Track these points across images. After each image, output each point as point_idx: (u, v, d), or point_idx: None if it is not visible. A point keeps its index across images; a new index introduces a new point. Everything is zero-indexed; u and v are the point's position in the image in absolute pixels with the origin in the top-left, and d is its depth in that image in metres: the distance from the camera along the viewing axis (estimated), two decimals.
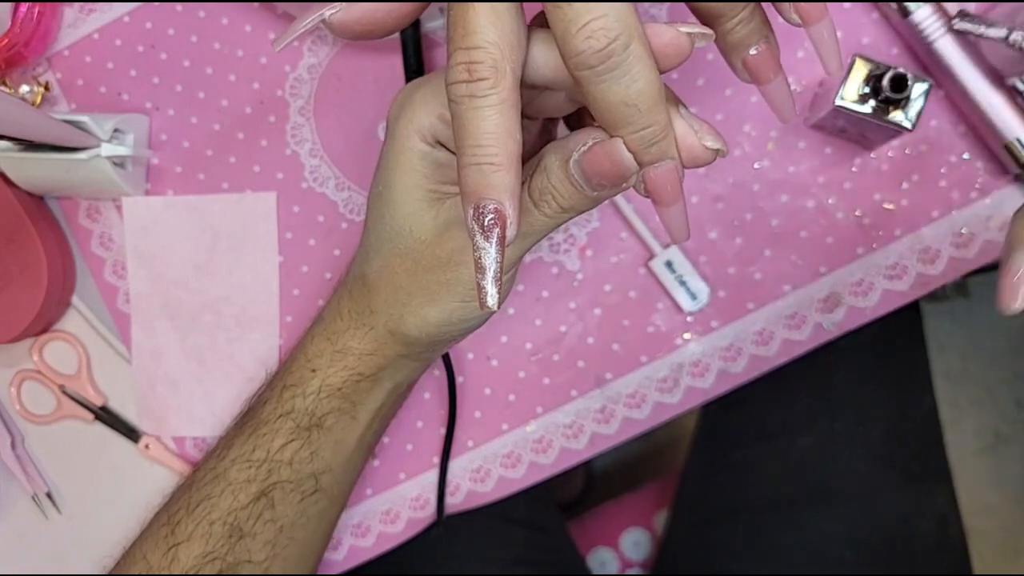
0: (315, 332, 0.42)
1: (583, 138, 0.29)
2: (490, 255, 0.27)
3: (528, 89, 0.29)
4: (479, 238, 0.27)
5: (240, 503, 0.41)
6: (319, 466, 0.42)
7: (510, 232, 0.27)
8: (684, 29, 0.27)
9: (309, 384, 0.41)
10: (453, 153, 0.34)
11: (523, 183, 0.32)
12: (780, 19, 0.30)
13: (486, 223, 0.27)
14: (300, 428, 0.41)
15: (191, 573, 0.41)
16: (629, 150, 0.28)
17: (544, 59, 0.28)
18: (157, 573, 0.41)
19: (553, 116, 0.35)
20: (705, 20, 0.30)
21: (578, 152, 0.29)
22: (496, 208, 0.26)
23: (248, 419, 0.43)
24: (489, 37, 0.26)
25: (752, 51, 0.31)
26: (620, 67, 0.25)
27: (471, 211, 0.27)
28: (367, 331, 0.39)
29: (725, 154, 0.30)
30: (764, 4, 0.30)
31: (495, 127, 0.26)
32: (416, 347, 0.39)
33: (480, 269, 0.27)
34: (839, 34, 0.50)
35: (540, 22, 0.29)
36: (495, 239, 0.27)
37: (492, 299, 0.27)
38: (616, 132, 0.27)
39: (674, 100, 0.30)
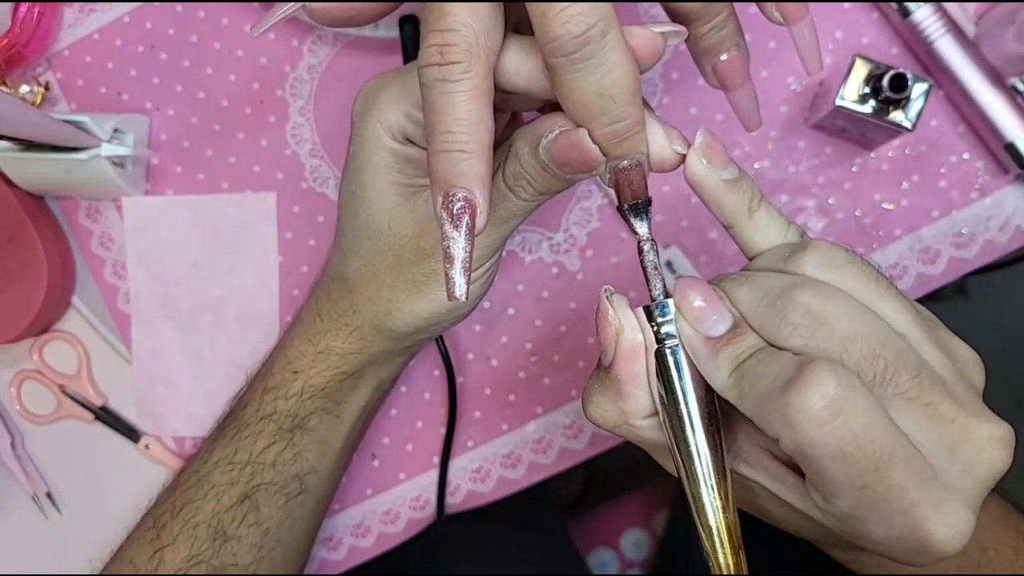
0: (294, 334, 0.41)
1: (550, 124, 0.29)
2: (459, 244, 0.26)
3: (500, 93, 0.28)
4: (448, 227, 0.26)
5: (224, 506, 0.41)
6: (303, 467, 0.42)
7: (480, 221, 0.26)
8: (657, 29, 0.27)
9: (291, 386, 0.41)
10: (424, 149, 0.34)
11: (496, 169, 0.31)
12: (771, 21, 0.31)
13: (455, 211, 0.26)
14: (283, 430, 0.41)
15: None
16: (599, 143, 0.27)
17: (517, 66, 0.28)
18: None
19: (523, 110, 0.35)
20: (678, 22, 0.30)
21: (546, 139, 0.29)
22: (466, 196, 0.26)
23: (229, 422, 0.43)
24: (464, 20, 0.25)
25: (723, 57, 0.30)
26: (597, 56, 0.25)
27: (440, 199, 0.26)
28: (350, 331, 0.39)
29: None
30: (750, 5, 0.30)
31: (467, 113, 0.25)
32: (404, 341, 0.39)
33: (448, 258, 0.26)
34: (839, 34, 0.50)
35: (514, 28, 0.29)
36: (464, 228, 0.26)
37: (460, 289, 0.27)
38: (588, 125, 0.27)
39: (644, 102, 0.29)
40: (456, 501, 0.54)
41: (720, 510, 0.27)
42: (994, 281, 1.13)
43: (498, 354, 0.53)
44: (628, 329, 0.28)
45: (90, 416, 0.55)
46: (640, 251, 0.29)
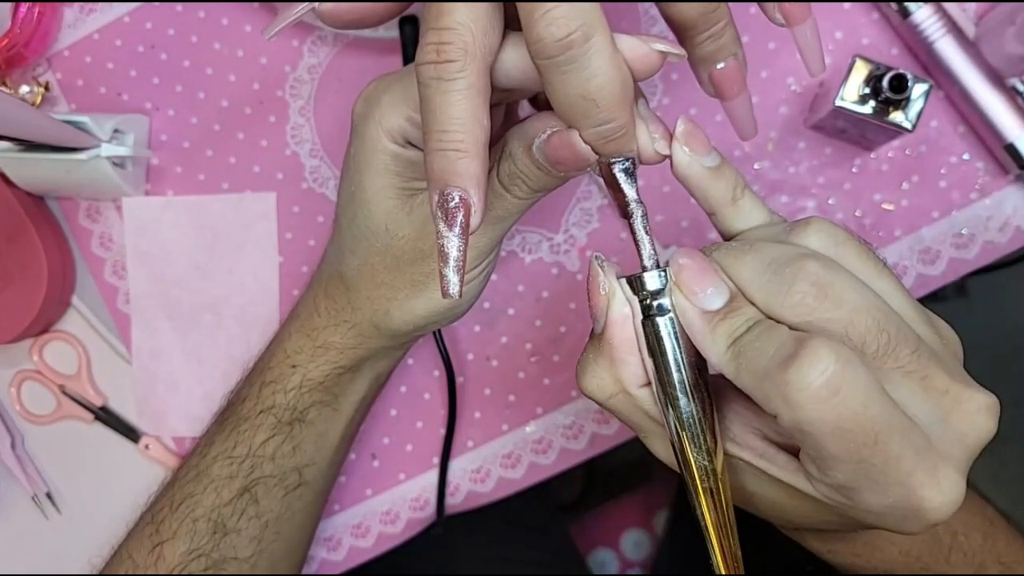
0: (292, 329, 0.42)
1: (543, 125, 0.29)
2: (453, 243, 0.26)
3: (498, 90, 0.28)
4: (442, 225, 0.26)
5: (223, 499, 0.41)
6: (302, 460, 0.42)
7: (474, 220, 0.26)
8: (658, 47, 0.27)
9: (290, 380, 0.41)
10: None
11: (491, 169, 0.31)
12: (773, 22, 0.31)
13: (450, 209, 0.26)
14: (282, 423, 0.41)
15: (176, 572, 0.41)
16: (588, 143, 0.27)
17: (516, 61, 0.28)
18: (143, 572, 0.41)
19: (515, 100, 0.35)
20: (676, 30, 0.30)
21: (539, 139, 0.29)
22: (461, 195, 0.26)
23: (227, 416, 0.43)
24: (461, 19, 0.25)
25: (719, 66, 0.31)
26: (578, 60, 0.25)
27: (436, 197, 0.26)
28: (349, 327, 0.40)
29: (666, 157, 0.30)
30: (750, 6, 0.30)
31: (462, 112, 0.26)
32: (402, 338, 0.40)
33: (443, 257, 0.27)
34: (839, 34, 0.50)
35: (514, 26, 0.29)
36: (459, 227, 0.26)
37: (454, 287, 0.27)
38: (575, 125, 0.27)
39: (637, 93, 0.29)
40: (456, 501, 0.54)
41: (711, 473, 0.27)
42: (994, 281, 1.13)
43: (498, 354, 0.53)
44: (619, 295, 0.28)
45: (90, 416, 0.55)
46: (628, 216, 0.29)
